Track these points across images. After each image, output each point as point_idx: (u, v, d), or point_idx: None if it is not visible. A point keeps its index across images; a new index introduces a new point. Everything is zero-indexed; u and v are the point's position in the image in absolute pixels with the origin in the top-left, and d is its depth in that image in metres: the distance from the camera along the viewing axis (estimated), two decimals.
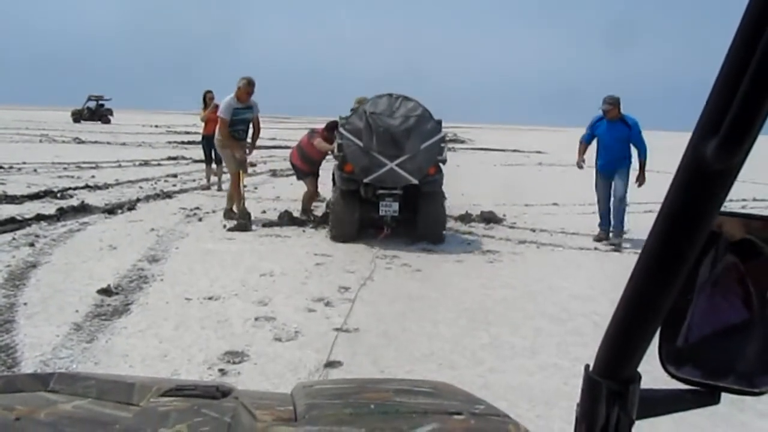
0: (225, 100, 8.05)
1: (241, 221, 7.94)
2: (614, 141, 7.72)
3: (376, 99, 7.24)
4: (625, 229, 7.93)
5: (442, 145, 7.36)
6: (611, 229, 7.96)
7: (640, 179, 7.81)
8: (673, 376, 0.67)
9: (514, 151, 30.00)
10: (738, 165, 0.45)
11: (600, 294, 5.31)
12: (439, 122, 7.32)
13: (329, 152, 8.19)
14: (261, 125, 8.63)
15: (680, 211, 0.49)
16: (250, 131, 8.46)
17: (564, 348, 4.21)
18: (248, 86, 7.92)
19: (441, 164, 7.39)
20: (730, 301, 0.65)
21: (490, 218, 9.24)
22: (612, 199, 7.90)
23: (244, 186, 8.55)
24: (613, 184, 7.85)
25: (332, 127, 8.20)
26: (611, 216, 7.94)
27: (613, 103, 7.66)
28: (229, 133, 8.04)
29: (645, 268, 0.54)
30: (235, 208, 8.24)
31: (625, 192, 7.82)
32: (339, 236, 7.34)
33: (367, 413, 0.86)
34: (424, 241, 7.38)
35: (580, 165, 8.33)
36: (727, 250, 0.64)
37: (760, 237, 0.64)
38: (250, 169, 9.26)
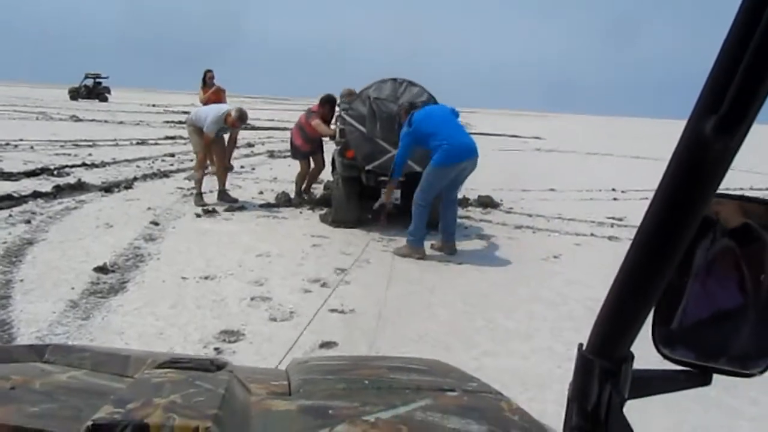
0: (213, 116, 7.79)
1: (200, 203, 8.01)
2: None
3: (380, 84, 7.09)
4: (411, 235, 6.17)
5: None
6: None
7: (384, 196, 6.64)
8: (666, 357, 0.68)
9: (513, 136, 29.97)
10: (737, 143, 0.45)
11: (594, 279, 5.32)
12: None
13: (327, 137, 8.11)
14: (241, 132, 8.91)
15: (677, 190, 0.49)
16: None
17: (558, 332, 4.24)
18: (238, 120, 7.85)
19: None
20: (726, 284, 0.66)
21: (487, 203, 9.25)
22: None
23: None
24: None
25: (327, 100, 8.15)
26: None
27: (398, 113, 6.69)
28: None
29: (640, 247, 0.54)
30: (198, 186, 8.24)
31: (417, 190, 6.14)
32: (339, 222, 7.26)
33: (361, 388, 0.86)
34: None
35: None
36: (723, 233, 0.64)
37: (756, 221, 0.64)
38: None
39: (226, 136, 8.41)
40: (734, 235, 0.64)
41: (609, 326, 0.61)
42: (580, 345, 0.66)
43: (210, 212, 7.65)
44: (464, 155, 6.01)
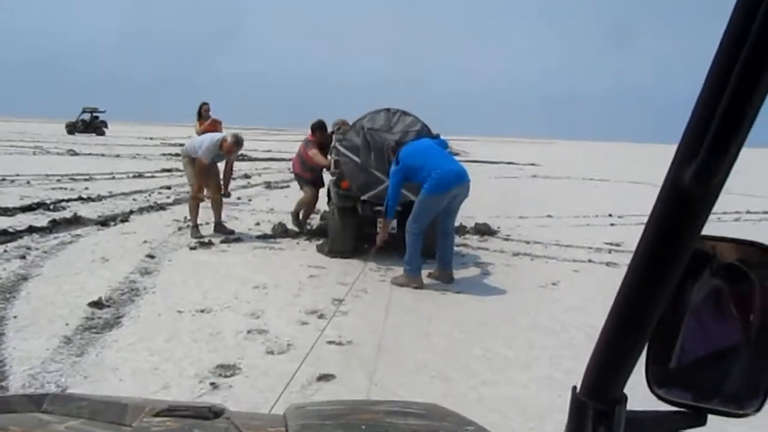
0: (209, 142, 7.83)
1: (197, 235, 7.98)
2: None
3: (373, 114, 7.12)
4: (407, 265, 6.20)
5: None
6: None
7: (378, 238, 6.61)
8: (660, 398, 0.68)
9: (509, 163, 30.12)
10: (716, 189, 0.47)
11: (593, 306, 5.30)
12: (437, 137, 7.24)
13: (325, 167, 8.14)
14: (235, 164, 8.98)
15: (662, 234, 0.51)
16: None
17: (557, 360, 4.20)
18: (234, 146, 7.89)
19: None
20: (720, 324, 0.67)
21: (484, 230, 9.24)
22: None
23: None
24: None
25: (317, 126, 8.23)
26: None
27: (386, 152, 6.84)
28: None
29: (629, 290, 0.56)
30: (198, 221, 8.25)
31: (410, 217, 6.20)
32: (335, 253, 7.25)
33: None
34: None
35: None
36: (717, 274, 0.65)
37: (750, 262, 0.66)
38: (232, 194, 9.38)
39: (221, 166, 8.43)
40: (727, 276, 0.65)
41: (602, 368, 0.62)
42: (574, 387, 0.66)
43: (206, 244, 7.63)
44: (454, 182, 6.03)
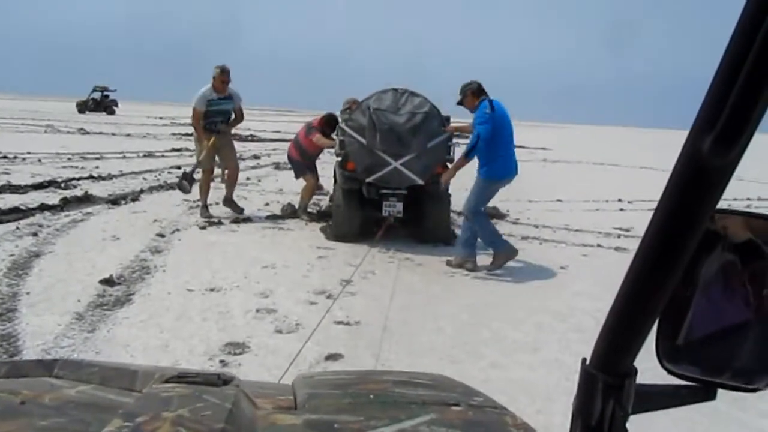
0: (200, 90, 7.75)
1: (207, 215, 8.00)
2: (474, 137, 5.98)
3: (380, 94, 6.90)
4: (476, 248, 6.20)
5: (450, 143, 6.99)
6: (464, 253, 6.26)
7: (444, 174, 6.31)
8: (670, 372, 0.68)
9: (519, 147, 29.76)
10: (735, 160, 0.46)
11: (602, 291, 5.29)
12: (448, 119, 7.06)
13: (330, 148, 8.07)
14: (245, 116, 8.62)
15: (677, 206, 0.50)
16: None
17: (565, 344, 4.21)
18: (222, 75, 7.65)
19: (448, 164, 6.82)
20: (730, 299, 0.66)
21: (493, 214, 9.19)
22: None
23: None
24: None
25: (327, 121, 8.11)
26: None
27: (462, 92, 6.19)
28: (203, 126, 7.83)
29: (642, 262, 0.55)
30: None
31: (470, 205, 6.08)
32: (340, 236, 7.12)
33: (366, 403, 0.86)
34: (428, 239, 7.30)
35: None
36: (729, 249, 0.64)
37: (761, 237, 0.65)
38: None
39: (235, 145, 8.42)
40: (739, 251, 0.65)
41: (612, 341, 0.62)
42: (584, 360, 0.66)
43: (216, 224, 7.66)
44: (512, 174, 6.18)
